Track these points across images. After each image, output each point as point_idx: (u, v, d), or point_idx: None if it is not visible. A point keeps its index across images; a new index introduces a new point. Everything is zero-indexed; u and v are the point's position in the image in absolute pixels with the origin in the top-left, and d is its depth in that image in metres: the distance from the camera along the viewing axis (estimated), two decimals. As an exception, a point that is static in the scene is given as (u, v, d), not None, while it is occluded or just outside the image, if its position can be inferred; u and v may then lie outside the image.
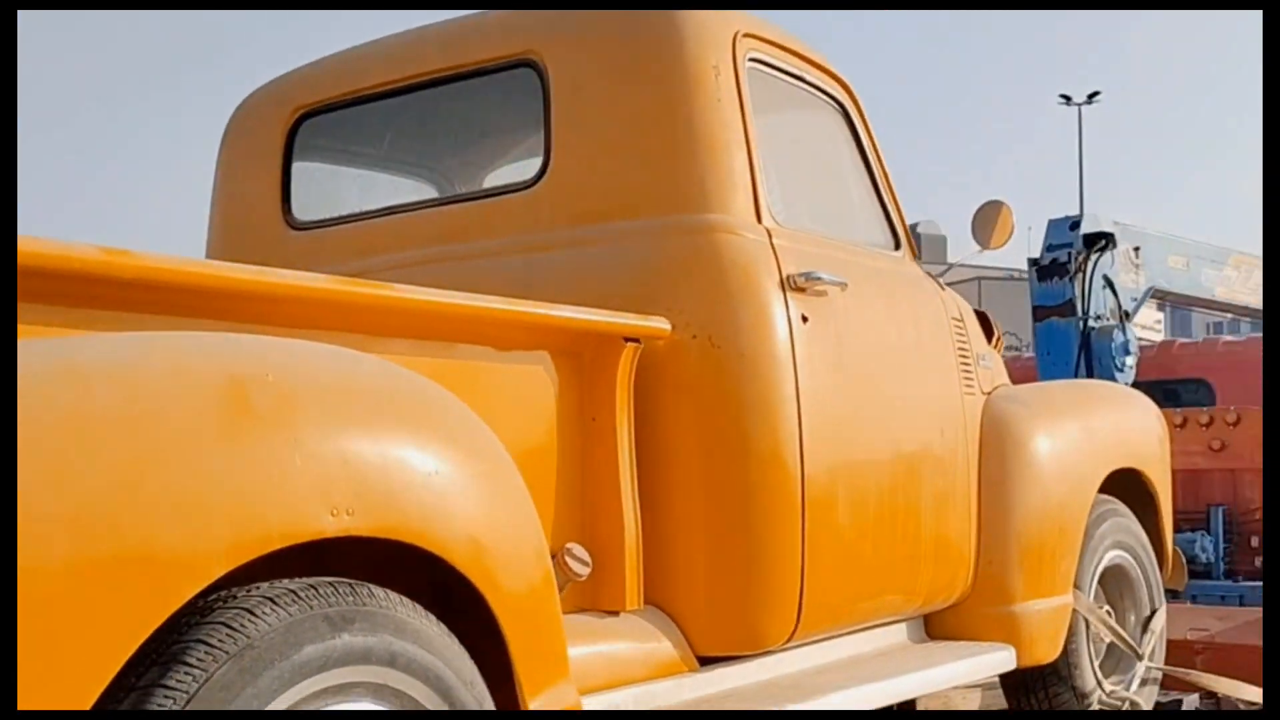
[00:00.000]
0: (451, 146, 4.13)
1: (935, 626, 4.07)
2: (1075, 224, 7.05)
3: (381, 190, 4.14)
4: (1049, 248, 7.04)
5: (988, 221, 4.86)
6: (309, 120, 3.96)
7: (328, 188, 4.13)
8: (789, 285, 3.31)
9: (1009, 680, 4.34)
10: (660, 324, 3.11)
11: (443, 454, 2.31)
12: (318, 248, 3.82)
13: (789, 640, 3.29)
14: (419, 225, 3.68)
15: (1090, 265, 6.94)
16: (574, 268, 3.30)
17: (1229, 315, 8.60)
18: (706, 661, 3.17)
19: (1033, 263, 7.05)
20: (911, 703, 4.46)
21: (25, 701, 1.71)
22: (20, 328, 1.97)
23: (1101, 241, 6.95)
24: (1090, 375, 6.88)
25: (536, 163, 3.51)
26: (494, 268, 3.39)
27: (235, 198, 4.07)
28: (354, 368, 2.31)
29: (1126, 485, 4.67)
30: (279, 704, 1.99)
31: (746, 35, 3.47)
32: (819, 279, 3.38)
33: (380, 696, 2.16)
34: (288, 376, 2.15)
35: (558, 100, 3.43)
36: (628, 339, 3.05)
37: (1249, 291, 8.21)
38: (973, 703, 5.30)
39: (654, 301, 3.18)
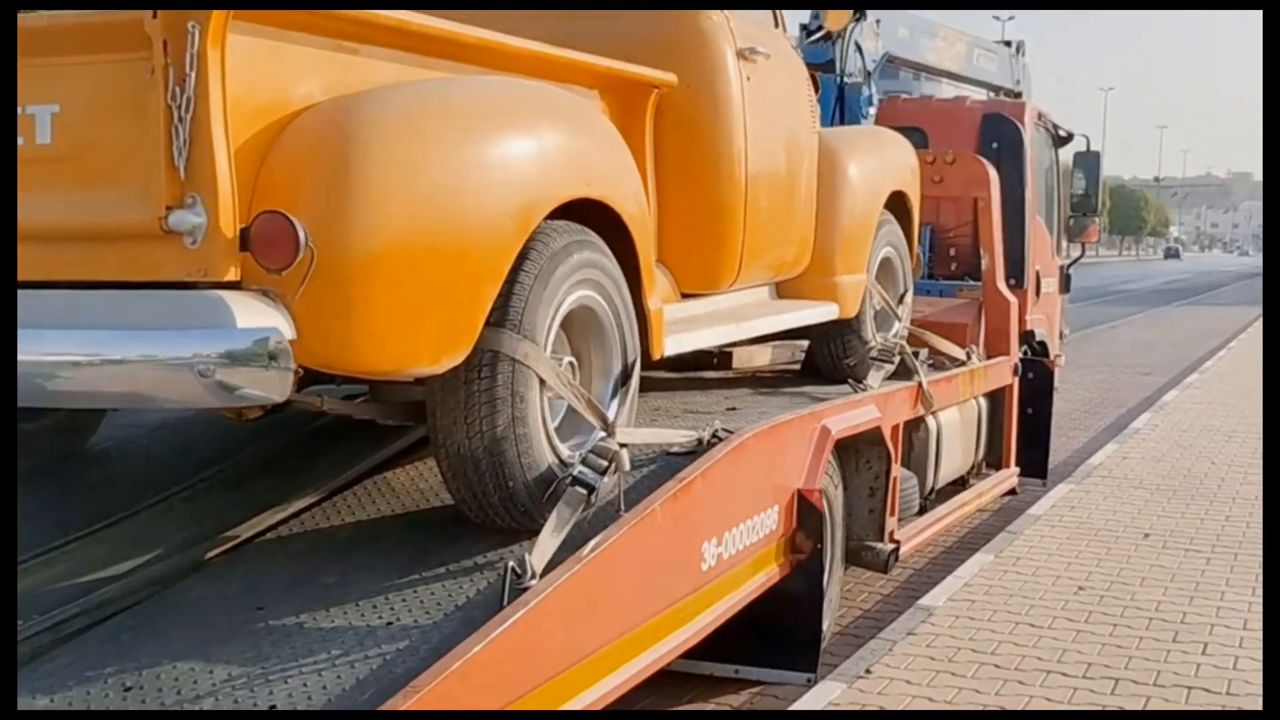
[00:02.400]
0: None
1: (782, 290, 5.99)
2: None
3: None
4: (815, 15, 8.88)
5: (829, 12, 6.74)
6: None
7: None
8: (740, 55, 5.04)
9: (816, 331, 6.25)
10: (671, 78, 4.80)
11: (609, 144, 4.02)
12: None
13: (731, 285, 5.16)
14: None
15: (847, 32, 8.86)
16: (604, 36, 4.89)
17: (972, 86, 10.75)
18: (685, 296, 4.99)
19: (803, 27, 8.88)
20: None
21: (418, 309, 3.29)
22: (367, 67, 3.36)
23: (856, 13, 8.86)
24: (843, 121, 8.88)
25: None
26: (539, 33, 4.93)
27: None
28: (554, 94, 3.94)
29: (897, 204, 6.67)
30: (570, 288, 3.70)
31: None
32: (757, 51, 5.13)
33: (594, 287, 3.89)
34: (535, 98, 3.80)
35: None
36: (654, 86, 4.73)
37: (950, 59, 10.39)
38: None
39: (659, 62, 4.82)
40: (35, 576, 3.77)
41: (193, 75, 2.89)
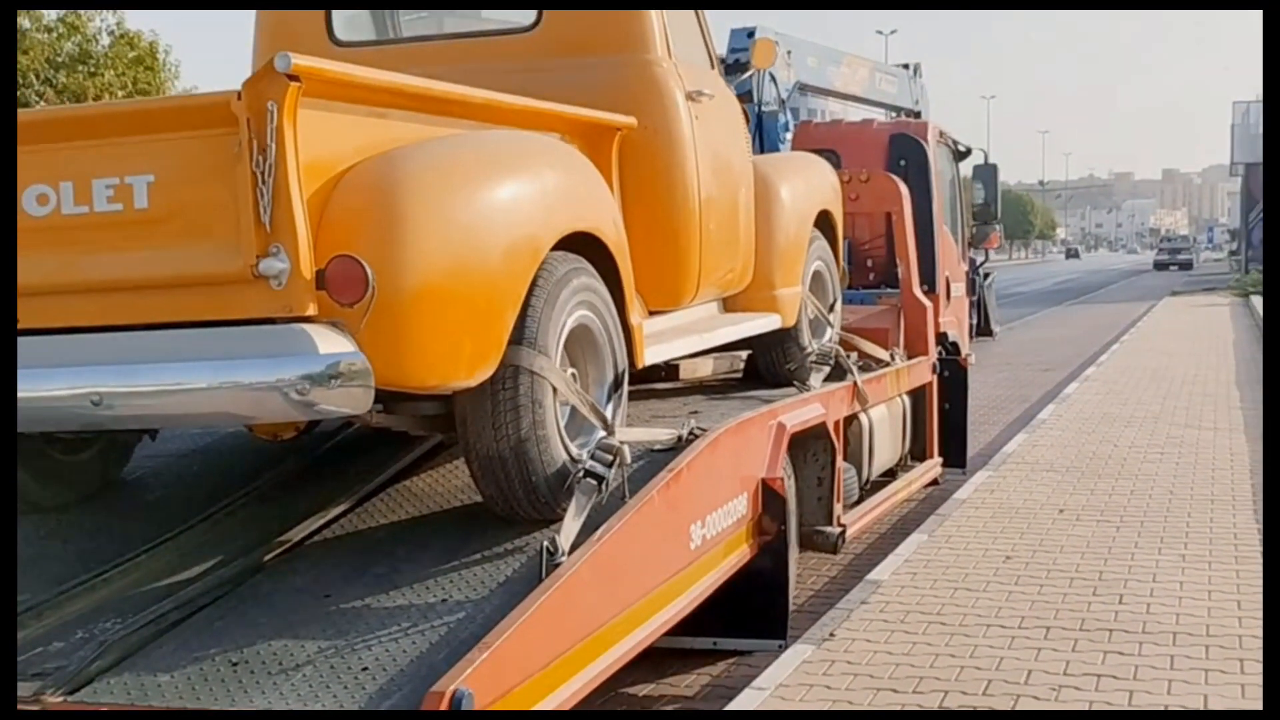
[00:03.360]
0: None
1: (728, 305, 6.64)
2: (750, 33, 9.63)
3: (402, 24, 6.14)
4: (732, 50, 9.57)
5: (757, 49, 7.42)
6: (346, -27, 5.90)
7: (363, 19, 6.08)
8: (689, 97, 5.70)
9: (758, 342, 6.90)
10: (632, 121, 5.43)
11: (593, 184, 4.65)
12: (358, 60, 5.82)
13: (690, 302, 5.80)
14: (442, 50, 5.77)
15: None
16: (564, 83, 5.52)
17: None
18: (652, 314, 5.63)
19: (720, 61, 9.56)
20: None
21: (457, 333, 3.92)
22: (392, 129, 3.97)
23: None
24: (762, 147, 9.58)
25: (530, 14, 5.67)
26: (503, 82, 5.55)
27: (282, 24, 5.95)
28: (547, 143, 4.57)
29: (824, 221, 7.36)
30: (572, 309, 4.32)
31: None
32: (702, 93, 5.79)
33: (590, 308, 4.52)
34: (534, 148, 4.42)
35: (548, -22, 5.59)
36: (617, 129, 5.36)
37: (855, 84, 11.16)
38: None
39: (618, 106, 5.46)
40: (117, 584, 4.31)
41: (273, 145, 3.47)
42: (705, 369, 7.52)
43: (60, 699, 3.60)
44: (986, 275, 12.65)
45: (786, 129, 9.77)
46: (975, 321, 11.86)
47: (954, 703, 4.81)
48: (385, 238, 3.65)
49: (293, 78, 3.46)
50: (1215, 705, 4.71)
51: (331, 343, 3.55)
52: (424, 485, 4.98)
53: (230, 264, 3.54)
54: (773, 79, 9.76)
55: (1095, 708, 4.71)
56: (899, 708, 4.78)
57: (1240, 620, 5.67)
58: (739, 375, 7.52)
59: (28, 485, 4.86)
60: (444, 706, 3.27)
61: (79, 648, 3.85)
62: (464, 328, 3.87)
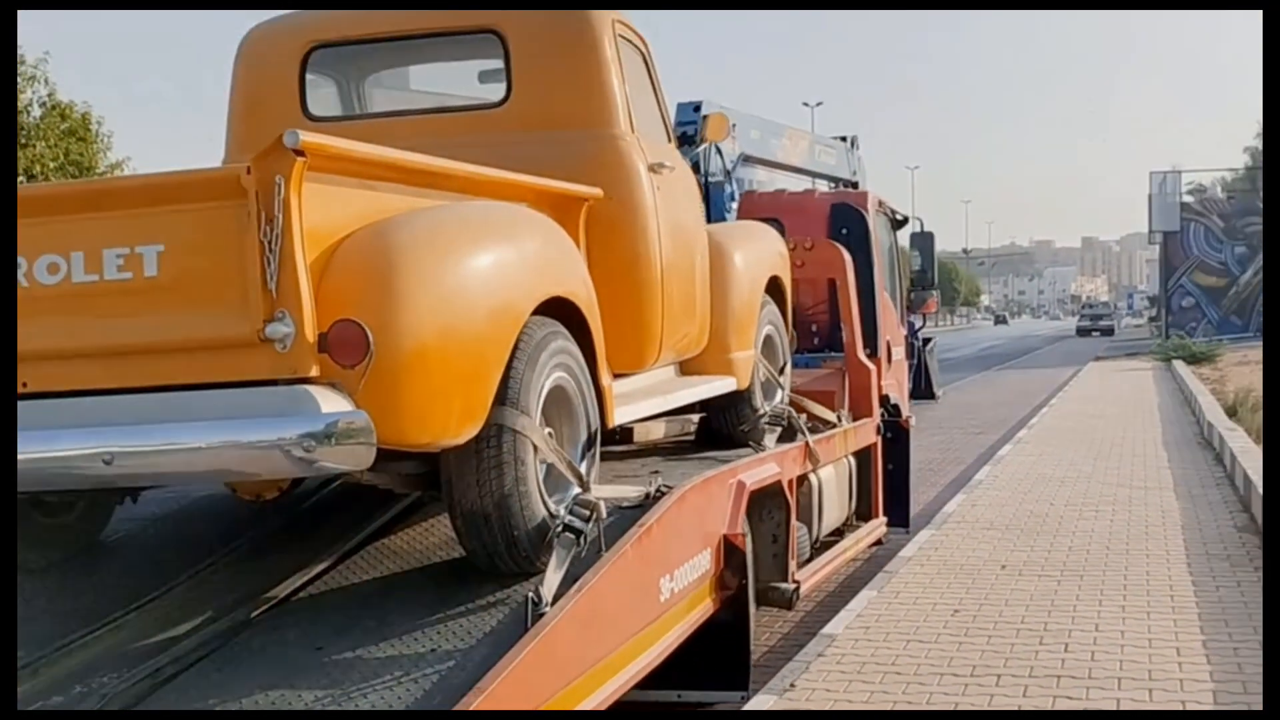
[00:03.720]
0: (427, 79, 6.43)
1: (684, 368, 6.89)
2: (697, 107, 9.97)
3: (376, 99, 6.38)
4: (678, 124, 9.88)
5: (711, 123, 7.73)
6: (319, 50, 6.13)
7: (332, 95, 6.31)
8: (651, 169, 5.96)
9: (711, 404, 7.16)
10: (597, 192, 5.68)
11: (568, 252, 4.88)
12: (333, 135, 6.04)
13: (653, 365, 6.04)
14: (413, 125, 6.00)
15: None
16: (534, 158, 5.76)
17: None
18: (616, 377, 5.85)
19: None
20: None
21: (447, 393, 4.14)
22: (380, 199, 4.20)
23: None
24: (709, 217, 9.87)
25: (499, 89, 5.92)
26: (473, 156, 5.78)
27: (258, 100, 6.16)
28: (525, 214, 4.81)
29: (773, 287, 7.65)
30: (550, 371, 4.54)
31: (618, 21, 6.03)
32: (663, 165, 6.06)
33: (565, 369, 4.74)
34: (515, 218, 4.66)
35: (516, 57, 5.84)
36: (584, 199, 5.61)
37: (795, 156, 11.53)
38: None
39: (583, 178, 5.70)
40: (109, 641, 4.43)
41: (279, 216, 3.67)
42: (658, 431, 7.73)
43: (68, 749, 3.72)
44: (927, 340, 13.03)
45: (732, 199, 10.10)
46: (917, 385, 12.21)
47: (915, 746, 5.03)
48: (383, 303, 3.85)
49: (299, 153, 3.67)
50: (1161, 744, 4.97)
51: (333, 403, 3.74)
52: (402, 543, 5.14)
53: (237, 328, 3.73)
54: (719, 151, 10.10)
55: (1048, 748, 4.95)
56: (863, 751, 5.00)
57: (1180, 665, 5.95)
58: (691, 438, 7.74)
59: (16, 546, 4.98)
60: (445, 748, 3.44)
61: (80, 701, 3.98)
62: (454, 388, 4.07)
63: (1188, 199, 51.80)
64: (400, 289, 3.90)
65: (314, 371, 3.76)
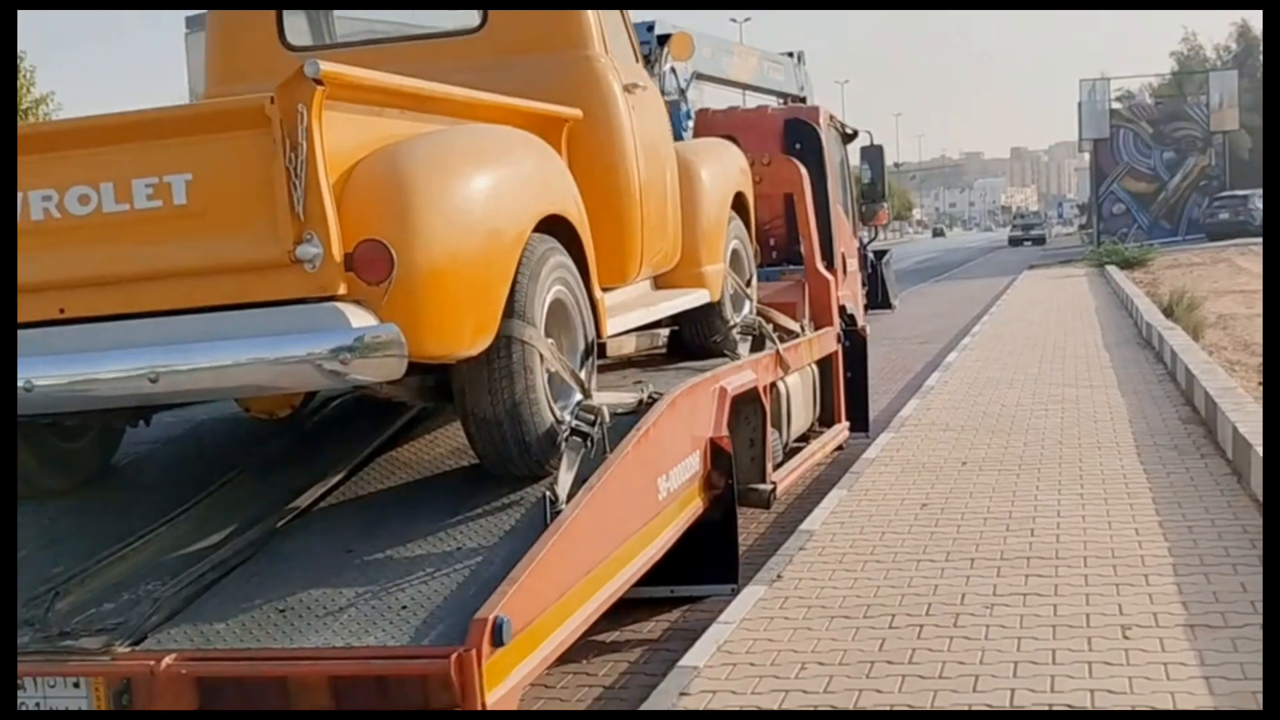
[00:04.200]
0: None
1: (658, 283, 7.14)
2: (650, 27, 10.14)
3: (353, 27, 6.53)
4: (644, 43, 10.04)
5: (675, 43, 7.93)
6: (295, -18, 6.27)
7: (307, 26, 6.45)
8: (625, 89, 6.18)
9: (683, 317, 7.42)
10: (577, 113, 5.89)
11: (560, 172, 5.11)
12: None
13: (633, 279, 6.29)
14: (391, 52, 6.17)
15: (663, 56, 10.07)
16: (513, 80, 5.95)
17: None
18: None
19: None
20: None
21: (462, 307, 4.38)
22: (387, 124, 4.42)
23: (667, 39, 10.07)
24: (668, 136, 10.07)
25: (474, 16, 6.10)
26: (452, 80, 5.96)
27: (236, 32, 6.30)
28: (521, 136, 5.03)
29: (738, 203, 7.90)
30: (550, 284, 4.78)
31: None
32: (636, 85, 6.28)
33: (563, 283, 4.98)
34: (512, 141, 4.88)
35: (493, -17, 6.02)
36: (565, 120, 5.82)
37: (746, 73, 11.73)
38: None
39: (562, 99, 5.91)
40: (145, 553, 4.66)
41: (303, 143, 3.87)
42: (629, 346, 7.96)
43: (128, 649, 3.97)
44: (884, 253, 13.36)
45: (688, 117, 10.29)
46: (874, 296, 12.56)
47: (902, 624, 5.37)
48: (404, 223, 4.07)
49: (318, 82, 3.87)
50: (1127, 609, 5.34)
51: (361, 318, 3.96)
52: (409, 455, 5.39)
53: (268, 251, 3.94)
54: (673, 70, 10.28)
55: (1025, 620, 5.31)
56: (854, 631, 5.33)
57: (1140, 544, 6.34)
58: (662, 351, 8.01)
59: (33, 471, 5.20)
60: (488, 632, 3.72)
61: (132, 606, 4.22)
62: (468, 302, 4.31)
63: (1116, 106, 52.43)
64: (419, 209, 4.12)
65: (342, 289, 3.98)
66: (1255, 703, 4.30)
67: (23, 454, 5.15)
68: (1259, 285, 23.32)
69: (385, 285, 4.01)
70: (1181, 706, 4.34)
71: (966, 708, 4.45)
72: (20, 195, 4.06)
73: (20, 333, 4.06)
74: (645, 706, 4.80)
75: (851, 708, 4.53)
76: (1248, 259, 31.41)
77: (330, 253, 3.93)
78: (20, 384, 4.00)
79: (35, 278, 4.08)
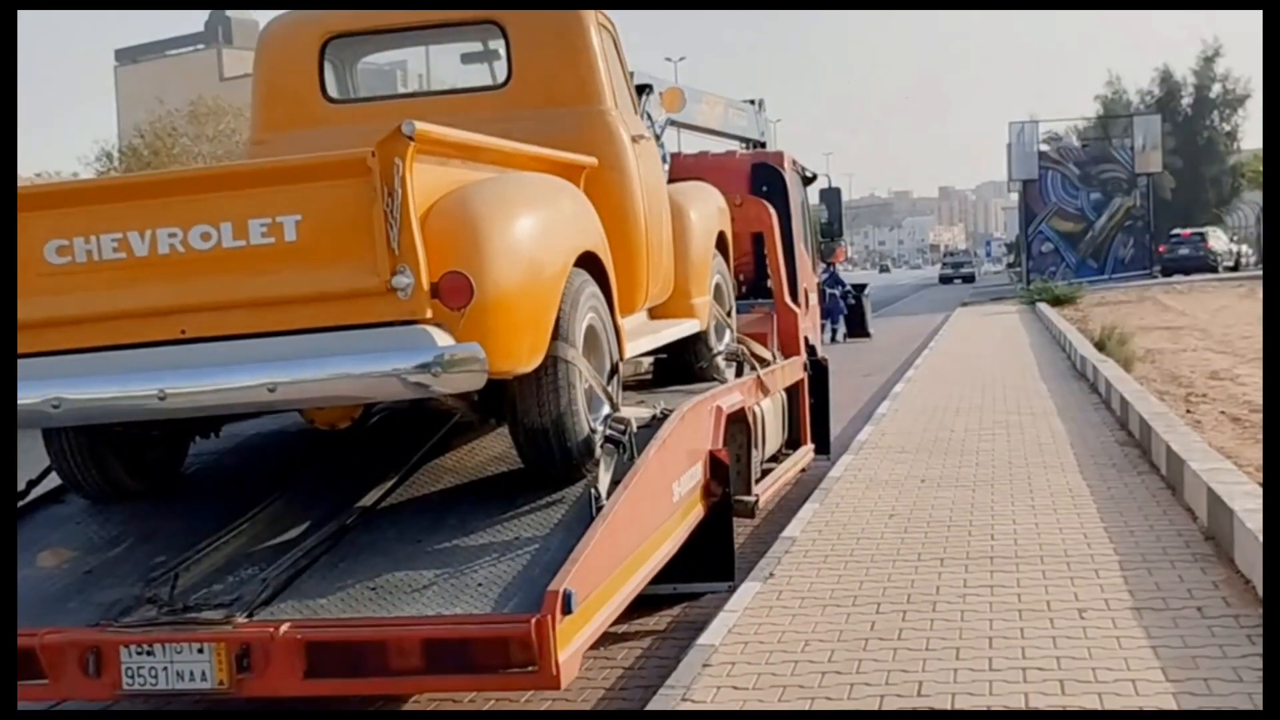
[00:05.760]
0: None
1: (652, 313, 7.89)
2: (631, 76, 10.91)
3: (384, 83, 7.23)
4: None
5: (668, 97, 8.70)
6: (334, 40, 6.99)
7: (347, 80, 7.16)
8: (633, 139, 6.94)
9: (672, 344, 8.17)
10: (593, 161, 6.64)
11: (590, 214, 5.85)
12: (350, 115, 6.92)
13: (639, 308, 7.03)
14: (427, 105, 6.89)
15: (641, 104, 10.85)
16: (534, 132, 6.69)
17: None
18: (614, 318, 6.83)
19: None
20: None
21: (523, 330, 5.12)
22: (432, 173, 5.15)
23: (647, 89, 10.86)
24: (645, 178, 10.84)
25: (501, 71, 6.84)
26: (481, 131, 6.68)
27: (280, 85, 7.00)
28: (559, 183, 5.77)
29: (719, 241, 8.68)
30: (585, 312, 5.52)
31: (598, 13, 6.97)
32: (641, 136, 7.05)
33: (595, 311, 5.71)
34: (555, 187, 5.62)
35: (516, 46, 6.77)
36: (583, 167, 6.57)
37: (713, 119, 12.54)
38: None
39: (578, 149, 6.65)
40: (235, 544, 5.33)
41: (399, 189, 4.59)
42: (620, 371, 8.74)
43: (246, 619, 4.64)
44: (863, 287, 14.21)
45: (665, 161, 11.07)
46: (854, 326, 13.40)
47: (887, 610, 6.13)
48: (480, 257, 4.79)
49: (410, 139, 4.59)
50: (1082, 596, 6.13)
51: (443, 339, 4.68)
52: (452, 462, 6.09)
53: (367, 281, 4.64)
54: (649, 116, 11.05)
55: (994, 606, 6.08)
56: (846, 615, 6.08)
57: (1089, 545, 7.15)
58: (649, 376, 8.75)
59: (122, 476, 5.87)
60: (560, 601, 4.43)
61: (240, 585, 4.89)
62: (527, 325, 5.04)
63: (1044, 148, 53.99)
64: (492, 246, 4.84)
65: (428, 314, 4.69)
66: (1194, 666, 5.10)
67: (110, 460, 5.83)
68: (1184, 321, 24.59)
69: (463, 311, 4.72)
70: (1134, 668, 5.12)
71: (952, 673, 5.20)
72: (150, 233, 4.73)
73: (149, 350, 4.74)
74: (673, 676, 5.49)
75: (854, 674, 5.27)
76: (1172, 297, 32.81)
77: (420, 282, 4.64)
78: (154, 392, 4.68)
79: (160, 303, 4.77)
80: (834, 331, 25.84)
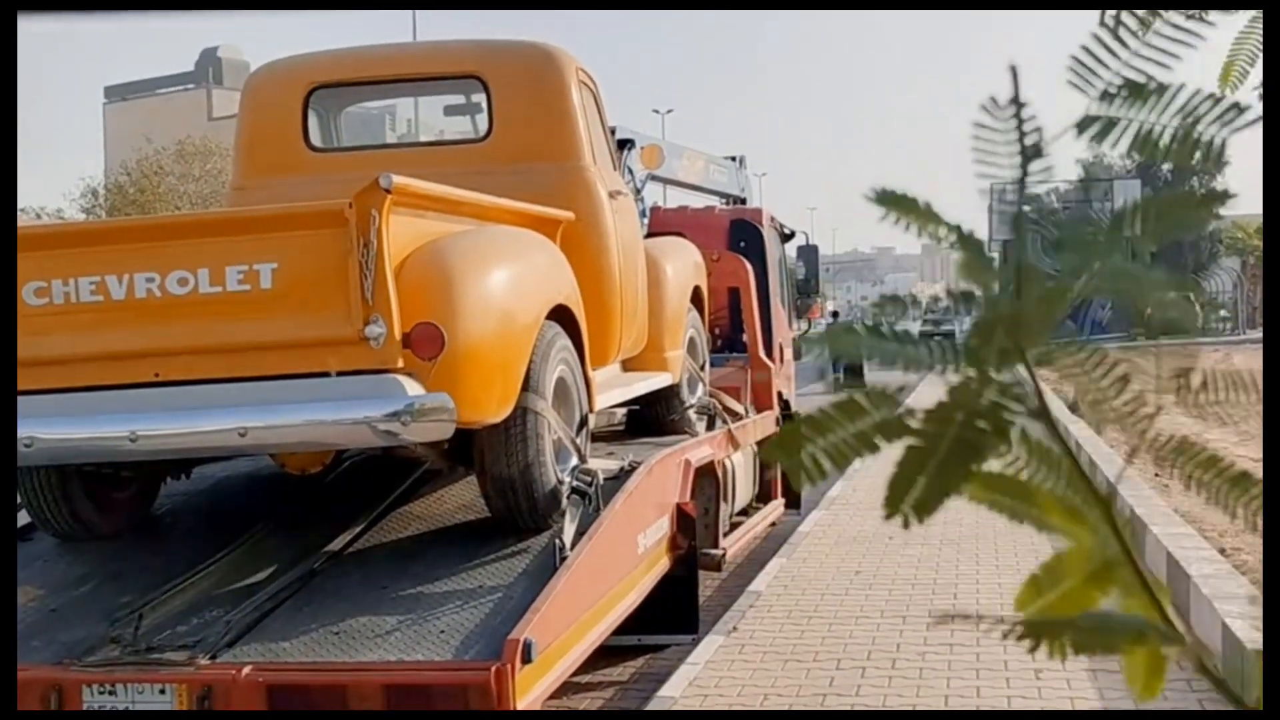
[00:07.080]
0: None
1: (625, 365, 7.98)
2: (612, 131, 11.06)
3: (369, 133, 7.35)
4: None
5: (646, 153, 8.83)
6: (319, 90, 7.10)
7: (331, 128, 7.27)
8: (609, 195, 7.05)
9: (645, 397, 8.27)
10: (570, 215, 6.75)
11: (564, 267, 5.95)
12: (332, 163, 7.02)
13: (612, 361, 7.12)
14: (408, 157, 7.01)
15: (622, 159, 10.99)
16: (513, 186, 6.80)
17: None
18: (587, 370, 6.92)
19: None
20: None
21: (492, 380, 5.21)
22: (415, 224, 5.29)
23: (628, 144, 11.01)
24: (623, 230, 10.96)
25: (483, 124, 6.96)
26: (460, 184, 6.79)
27: (263, 133, 7.10)
28: (533, 236, 5.87)
29: (694, 296, 8.79)
30: (556, 364, 5.61)
31: (579, 69, 7.11)
32: (619, 192, 7.17)
33: (565, 363, 5.80)
34: (528, 241, 5.72)
35: (497, 100, 6.89)
36: (559, 221, 6.68)
37: (693, 175, 12.70)
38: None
39: (555, 203, 6.77)
40: (203, 585, 5.39)
41: (374, 241, 4.69)
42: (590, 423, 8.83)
43: (208, 661, 4.69)
44: None
45: (644, 215, 11.20)
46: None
47: (847, 666, 6.20)
48: (452, 309, 4.89)
49: (388, 192, 4.69)
50: (1039, 658, 6.18)
51: (414, 388, 4.76)
52: (420, 510, 6.16)
53: (340, 329, 4.73)
54: (630, 171, 11.20)
55: (953, 665, 6.16)
56: (806, 671, 6.15)
57: (1049, 606, 7.22)
58: (621, 427, 8.84)
59: (92, 516, 5.91)
60: (519, 650, 4.49)
61: (205, 628, 4.94)
62: (497, 376, 5.13)
63: (1025, 209, 54.34)
64: (464, 298, 4.94)
65: (399, 363, 4.78)
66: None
67: (80, 500, 5.88)
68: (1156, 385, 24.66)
69: (434, 361, 4.81)
70: (1085, 729, 5.20)
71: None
72: (127, 277, 4.81)
73: (122, 392, 4.82)
74: (633, 727, 5.55)
75: (810, 729, 5.34)
76: (1145, 359, 32.88)
77: (392, 332, 4.73)
78: (125, 433, 4.75)
79: (135, 346, 4.85)
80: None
